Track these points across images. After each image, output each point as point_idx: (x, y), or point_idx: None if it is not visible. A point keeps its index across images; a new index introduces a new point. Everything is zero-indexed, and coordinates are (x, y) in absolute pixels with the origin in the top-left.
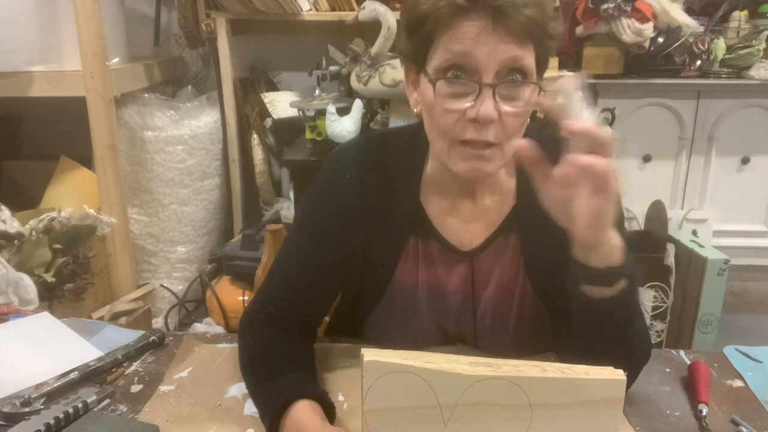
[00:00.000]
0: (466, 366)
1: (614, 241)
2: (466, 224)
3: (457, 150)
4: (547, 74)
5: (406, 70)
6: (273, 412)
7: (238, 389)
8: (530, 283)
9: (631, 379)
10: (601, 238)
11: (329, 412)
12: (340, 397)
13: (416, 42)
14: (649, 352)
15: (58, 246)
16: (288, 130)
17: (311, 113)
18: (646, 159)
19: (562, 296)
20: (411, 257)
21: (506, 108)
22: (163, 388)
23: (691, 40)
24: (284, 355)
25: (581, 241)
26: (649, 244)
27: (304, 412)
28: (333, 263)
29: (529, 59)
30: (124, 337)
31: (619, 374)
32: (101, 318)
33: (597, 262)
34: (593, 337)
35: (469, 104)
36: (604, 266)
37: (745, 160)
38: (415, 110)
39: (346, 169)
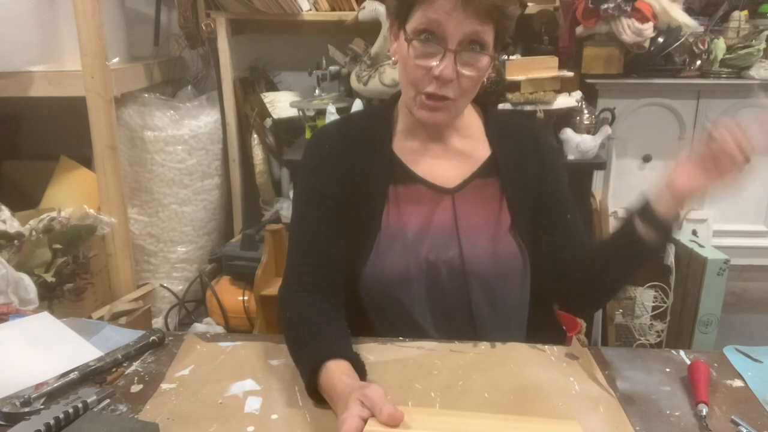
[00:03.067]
0: None
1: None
2: (439, 162)
3: (420, 99)
4: (547, 74)
5: (391, 23)
6: (307, 375)
7: (239, 387)
8: (511, 220)
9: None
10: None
11: (359, 370)
12: None
13: (401, 3)
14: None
15: (58, 246)
16: (288, 130)
17: (311, 113)
18: (646, 159)
19: (538, 234)
20: (392, 203)
21: (464, 71)
22: (164, 386)
23: (691, 40)
24: (315, 322)
25: (685, 199)
26: None
27: (333, 373)
28: (337, 221)
29: (488, 35)
30: (124, 337)
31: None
32: (101, 318)
33: (669, 215)
34: (611, 267)
35: (435, 63)
36: (667, 219)
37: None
38: (393, 57)
39: (324, 142)
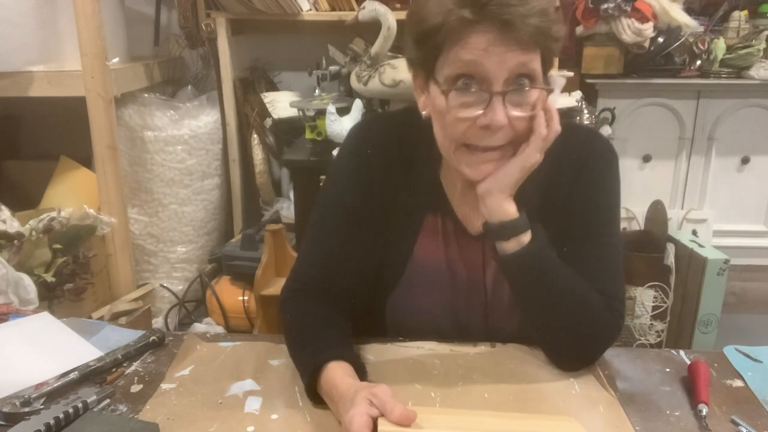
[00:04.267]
0: None
1: (506, 205)
2: (475, 210)
3: (464, 153)
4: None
5: (414, 75)
6: (308, 376)
7: (239, 387)
8: None
9: (584, 355)
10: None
11: (360, 372)
12: None
13: (425, 51)
14: (601, 328)
15: (58, 246)
16: (288, 130)
17: (311, 113)
18: (646, 159)
19: None
20: (430, 233)
21: (515, 113)
22: (164, 386)
23: (691, 40)
24: (316, 323)
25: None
26: (649, 244)
27: (334, 373)
28: (356, 239)
29: (535, 63)
30: (124, 337)
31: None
32: (101, 318)
33: (493, 219)
34: (523, 300)
35: (480, 112)
36: (498, 222)
37: (745, 160)
38: (424, 113)
39: (368, 144)
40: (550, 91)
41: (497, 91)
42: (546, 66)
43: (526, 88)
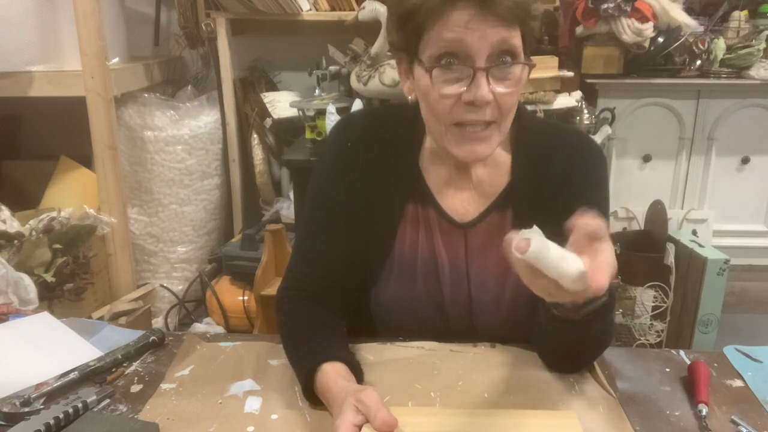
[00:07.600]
0: None
1: None
2: (461, 194)
3: (453, 133)
4: (547, 74)
5: (398, 60)
6: (303, 378)
7: (239, 387)
8: None
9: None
10: None
11: (356, 372)
12: None
13: (407, 33)
14: (608, 343)
15: (58, 246)
16: (288, 130)
17: (311, 113)
18: (646, 159)
19: None
20: (411, 223)
21: (500, 89)
22: (164, 386)
23: (691, 40)
24: (311, 324)
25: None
26: (649, 244)
27: (328, 375)
28: (344, 231)
29: (516, 40)
30: (124, 337)
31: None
32: (101, 318)
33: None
34: (553, 337)
35: (465, 88)
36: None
37: (745, 160)
38: (410, 97)
39: (348, 138)
40: (532, 66)
41: (480, 67)
42: (527, 44)
43: (509, 64)
